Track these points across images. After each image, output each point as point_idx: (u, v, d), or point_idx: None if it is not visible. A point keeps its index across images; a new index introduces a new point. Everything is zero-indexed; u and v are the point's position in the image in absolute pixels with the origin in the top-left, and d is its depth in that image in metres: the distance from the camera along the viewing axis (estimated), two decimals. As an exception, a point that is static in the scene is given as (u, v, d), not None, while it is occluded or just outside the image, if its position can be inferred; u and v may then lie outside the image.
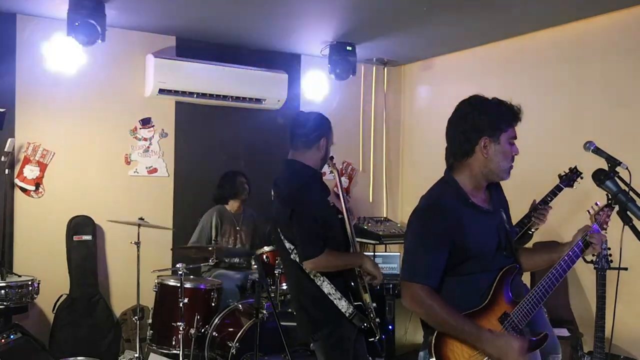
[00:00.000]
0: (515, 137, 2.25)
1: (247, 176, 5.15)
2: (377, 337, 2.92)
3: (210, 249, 4.64)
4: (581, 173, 3.52)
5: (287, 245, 2.89)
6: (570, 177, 3.56)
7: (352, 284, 2.90)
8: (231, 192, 5.06)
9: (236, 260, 5.01)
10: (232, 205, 5.08)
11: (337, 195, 3.19)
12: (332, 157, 3.35)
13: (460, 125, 2.23)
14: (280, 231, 2.93)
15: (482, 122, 2.19)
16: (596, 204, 2.34)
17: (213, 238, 4.89)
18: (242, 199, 5.07)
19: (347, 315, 2.79)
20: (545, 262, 2.33)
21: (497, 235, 2.25)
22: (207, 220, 4.97)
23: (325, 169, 3.18)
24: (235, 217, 5.06)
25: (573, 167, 3.57)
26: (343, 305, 2.79)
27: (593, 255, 2.88)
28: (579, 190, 3.60)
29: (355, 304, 2.83)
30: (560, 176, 3.58)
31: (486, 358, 2.13)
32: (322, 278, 2.83)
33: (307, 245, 2.77)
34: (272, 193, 3.02)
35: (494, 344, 2.09)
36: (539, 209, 3.48)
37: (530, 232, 3.52)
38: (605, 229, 2.31)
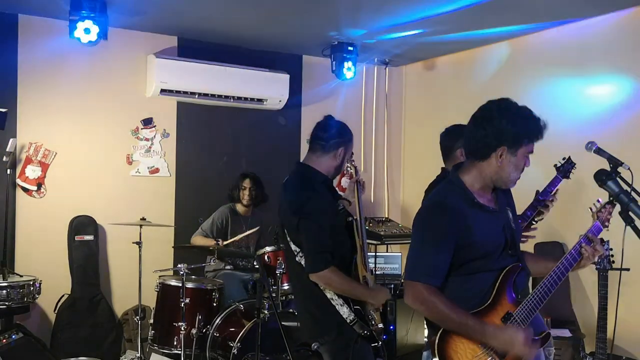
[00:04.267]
0: (532, 152, 2.22)
1: (257, 181, 5.07)
2: (379, 343, 2.92)
3: (211, 248, 4.65)
4: (574, 163, 3.54)
5: (293, 247, 2.89)
6: (566, 168, 3.55)
7: None
8: (235, 195, 5.07)
9: (242, 261, 5.01)
10: (240, 208, 5.08)
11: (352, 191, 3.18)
12: (351, 154, 3.32)
13: (484, 127, 2.18)
14: (287, 233, 2.93)
15: (506, 132, 2.14)
16: (598, 201, 2.33)
17: (225, 235, 4.92)
18: (244, 205, 5.06)
19: (348, 321, 2.78)
20: (548, 271, 2.29)
21: (503, 235, 2.24)
22: (218, 217, 5.02)
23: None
24: (243, 219, 5.06)
25: (567, 157, 3.58)
26: (345, 311, 2.79)
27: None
28: (578, 190, 3.60)
29: (355, 307, 2.82)
30: (556, 167, 3.57)
31: (490, 358, 2.13)
32: None
33: (313, 259, 2.77)
34: (281, 194, 3.01)
35: (498, 337, 2.10)
36: (541, 200, 3.47)
37: (535, 222, 3.49)
38: (607, 227, 2.31)
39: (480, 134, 2.19)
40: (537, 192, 3.55)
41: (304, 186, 2.90)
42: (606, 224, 2.30)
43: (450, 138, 3.40)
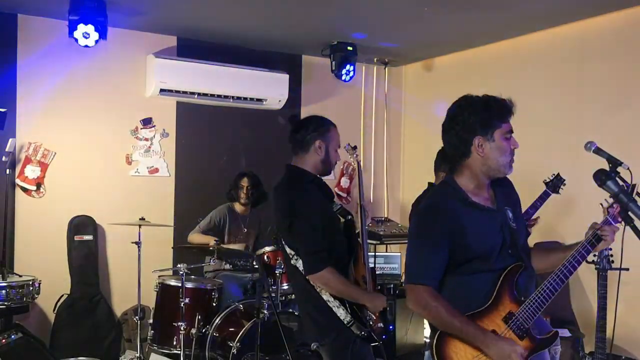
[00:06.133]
0: (511, 131, 2.23)
1: (256, 180, 5.04)
2: (379, 343, 2.90)
3: (211, 248, 4.65)
4: (564, 179, 3.64)
5: (288, 250, 2.89)
6: (555, 184, 3.66)
7: None
8: (234, 194, 5.07)
9: (240, 260, 5.01)
10: (238, 207, 5.08)
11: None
12: (355, 147, 3.31)
13: (453, 128, 2.24)
14: (282, 237, 2.92)
15: (472, 122, 2.19)
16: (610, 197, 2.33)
17: (222, 235, 4.92)
18: (241, 204, 5.06)
19: (345, 323, 2.78)
20: (561, 262, 2.25)
21: (501, 234, 2.23)
22: (216, 215, 5.01)
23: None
24: (242, 218, 5.06)
25: (556, 173, 3.68)
26: (341, 313, 2.78)
27: (594, 255, 2.86)
28: (577, 190, 3.60)
29: (352, 308, 2.81)
30: (546, 183, 3.67)
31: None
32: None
33: (310, 260, 2.76)
34: (273, 199, 3.00)
35: (497, 346, 2.09)
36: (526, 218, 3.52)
37: None
38: (620, 222, 2.29)
39: (452, 135, 2.24)
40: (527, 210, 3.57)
41: (292, 187, 2.90)
42: (618, 219, 2.29)
43: (441, 157, 3.44)
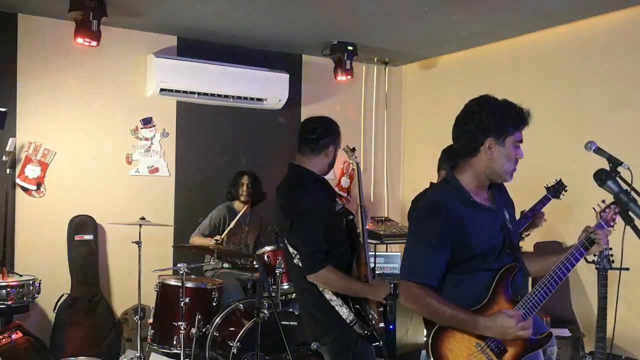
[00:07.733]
0: (521, 141, 2.24)
1: (256, 178, 5.06)
2: (380, 343, 2.90)
3: (211, 248, 4.65)
4: (566, 186, 3.65)
5: (291, 249, 2.89)
6: (557, 189, 3.66)
7: None
8: (234, 192, 5.07)
9: (240, 259, 5.01)
10: (238, 205, 5.07)
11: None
12: (354, 149, 3.32)
13: (467, 124, 2.23)
14: (284, 236, 2.93)
15: (489, 123, 2.19)
16: (603, 202, 2.33)
17: (222, 234, 4.91)
18: (242, 201, 5.06)
19: (347, 322, 2.78)
20: (554, 264, 2.27)
21: (500, 235, 2.25)
22: (216, 215, 5.00)
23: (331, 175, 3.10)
24: (242, 217, 5.05)
25: (559, 179, 3.68)
26: (344, 312, 2.78)
27: (595, 255, 2.87)
28: (577, 189, 3.60)
29: (355, 307, 2.81)
30: (547, 187, 3.68)
31: (485, 357, 2.13)
32: None
33: (309, 259, 2.76)
34: (275, 198, 3.00)
35: (491, 327, 2.11)
36: (531, 216, 3.52)
37: (522, 237, 3.55)
38: (613, 226, 2.30)
39: (465, 131, 2.24)
40: (522, 212, 3.57)
41: (295, 187, 2.89)
42: (611, 223, 2.29)
43: (443, 157, 3.44)
